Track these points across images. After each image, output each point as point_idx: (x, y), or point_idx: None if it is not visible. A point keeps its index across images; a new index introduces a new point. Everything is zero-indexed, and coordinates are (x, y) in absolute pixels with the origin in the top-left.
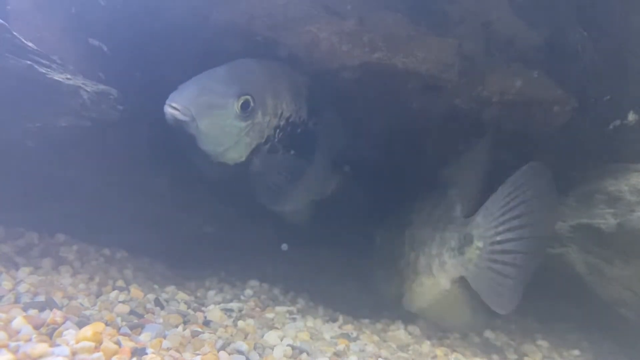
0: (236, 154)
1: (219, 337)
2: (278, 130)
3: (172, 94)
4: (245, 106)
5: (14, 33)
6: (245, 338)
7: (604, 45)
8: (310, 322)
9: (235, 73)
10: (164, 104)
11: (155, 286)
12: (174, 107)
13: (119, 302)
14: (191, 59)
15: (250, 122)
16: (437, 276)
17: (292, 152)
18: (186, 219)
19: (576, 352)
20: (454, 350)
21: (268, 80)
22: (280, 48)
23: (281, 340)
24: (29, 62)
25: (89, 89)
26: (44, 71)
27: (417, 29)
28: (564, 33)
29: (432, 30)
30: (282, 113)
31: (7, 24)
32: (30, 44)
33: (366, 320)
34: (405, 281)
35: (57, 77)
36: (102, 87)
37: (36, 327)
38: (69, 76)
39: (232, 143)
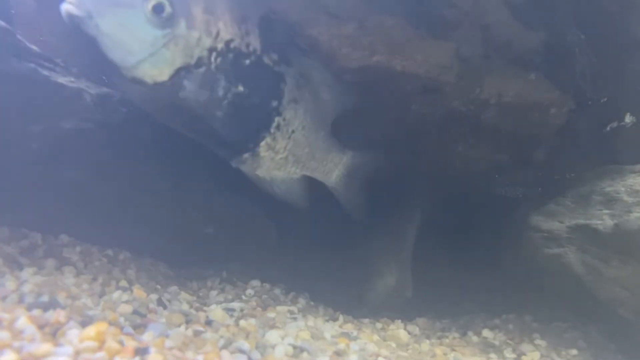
0: (154, 70)
1: (221, 337)
2: (215, 54)
3: None
4: (158, 9)
5: (18, 36)
6: (247, 337)
7: (600, 47)
8: (311, 322)
9: None
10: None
11: (158, 286)
12: (70, 1)
13: (122, 302)
14: None
15: (169, 32)
16: None
17: (241, 88)
18: (188, 219)
19: (574, 351)
20: (453, 349)
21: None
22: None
23: (282, 339)
24: (32, 65)
25: (92, 92)
26: (47, 74)
27: (416, 32)
28: (561, 36)
29: (430, 33)
30: (218, 33)
31: (11, 28)
32: (34, 47)
33: (366, 320)
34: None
35: (61, 79)
36: (105, 89)
37: (40, 327)
38: (72, 79)
39: (146, 54)
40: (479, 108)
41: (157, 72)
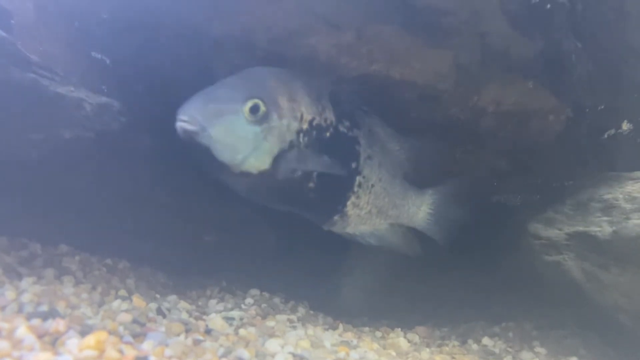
0: (258, 161)
1: (221, 345)
2: (302, 135)
3: (180, 108)
4: (254, 110)
5: (18, 46)
6: (247, 346)
7: (598, 55)
8: (310, 330)
9: (241, 79)
10: (174, 119)
11: (157, 295)
12: (183, 120)
13: (122, 311)
14: (192, 71)
15: (265, 126)
16: None
17: (326, 158)
18: (187, 228)
19: (574, 358)
20: (452, 358)
21: (279, 83)
22: (280, 60)
23: (282, 348)
24: (32, 75)
25: (91, 101)
26: (47, 84)
27: (414, 41)
28: (558, 44)
29: (428, 41)
30: (302, 116)
31: (11, 38)
32: (34, 57)
33: (366, 328)
34: None
35: (61, 89)
36: (104, 99)
37: (39, 337)
38: (72, 88)
39: (250, 149)
40: (477, 116)
41: (260, 162)
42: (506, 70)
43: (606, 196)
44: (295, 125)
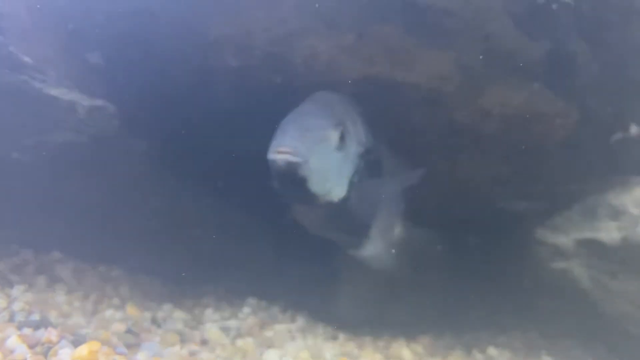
0: (340, 188)
1: (217, 356)
2: (361, 158)
3: (274, 141)
4: (342, 137)
5: (11, 49)
6: (244, 357)
7: (604, 57)
8: (310, 341)
9: (320, 105)
10: (270, 153)
11: (152, 304)
12: (284, 152)
13: (115, 320)
14: (189, 74)
15: (345, 153)
16: None
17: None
18: (183, 235)
19: None
20: None
21: (346, 109)
22: (280, 62)
23: (281, 359)
24: (25, 77)
25: (85, 104)
26: (40, 86)
27: (416, 42)
28: (564, 45)
29: (431, 43)
30: (360, 139)
31: (3, 40)
32: (26, 59)
33: (367, 338)
34: None
35: (54, 92)
36: (98, 102)
37: (31, 346)
38: (65, 91)
39: (336, 177)
40: (481, 119)
41: (341, 189)
42: (511, 72)
43: (614, 201)
44: (359, 150)
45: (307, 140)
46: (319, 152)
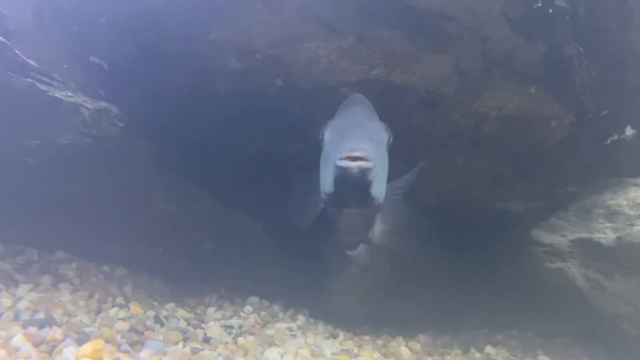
0: (384, 191)
1: (219, 354)
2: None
3: (345, 146)
4: (389, 138)
5: (16, 51)
6: (246, 355)
7: (600, 60)
8: (310, 339)
9: (369, 108)
10: (340, 159)
11: (155, 303)
12: (360, 157)
13: (119, 319)
14: (192, 76)
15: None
16: None
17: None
18: (185, 235)
19: None
20: None
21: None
22: (280, 65)
23: (282, 357)
24: (30, 80)
25: (89, 106)
26: (45, 89)
27: (415, 46)
28: (560, 49)
29: (429, 46)
30: None
31: (9, 43)
32: (31, 62)
33: (367, 337)
34: None
35: (58, 94)
36: (102, 104)
37: (36, 345)
38: (69, 94)
39: (385, 180)
40: (478, 121)
41: (384, 192)
42: (508, 76)
43: (610, 202)
44: None
45: (375, 145)
46: (382, 156)
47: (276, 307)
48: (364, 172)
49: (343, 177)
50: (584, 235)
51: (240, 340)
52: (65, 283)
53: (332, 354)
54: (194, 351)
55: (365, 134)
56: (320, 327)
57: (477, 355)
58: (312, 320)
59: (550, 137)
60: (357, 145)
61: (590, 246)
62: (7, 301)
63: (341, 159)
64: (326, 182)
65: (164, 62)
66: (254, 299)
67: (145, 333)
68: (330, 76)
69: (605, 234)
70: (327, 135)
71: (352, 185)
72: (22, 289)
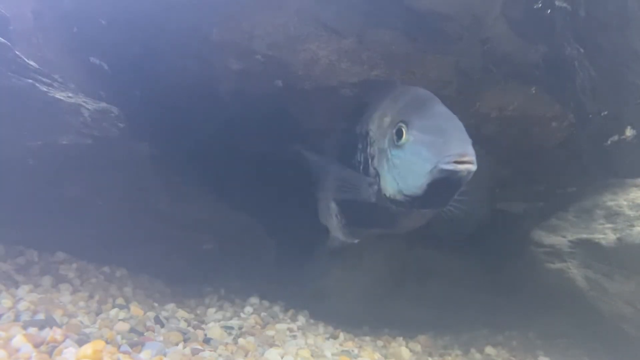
0: None
1: (220, 355)
2: None
3: (452, 149)
4: None
5: (17, 52)
6: (246, 356)
7: (600, 61)
8: (311, 340)
9: (446, 106)
10: (446, 162)
11: (155, 304)
12: (469, 161)
13: (119, 319)
14: (192, 77)
15: None
16: None
17: None
18: (185, 236)
19: None
20: None
21: None
22: (280, 66)
23: (282, 358)
24: (30, 81)
25: (90, 107)
26: (45, 89)
27: (415, 47)
28: (560, 49)
29: (430, 47)
30: None
31: (9, 44)
32: (32, 63)
33: (367, 337)
34: None
35: (59, 95)
36: (103, 105)
37: (36, 345)
38: (70, 94)
39: None
40: (479, 122)
41: None
42: (508, 76)
43: (610, 203)
44: None
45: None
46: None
47: (276, 308)
48: (469, 175)
49: (445, 180)
50: (584, 236)
51: (241, 341)
52: (66, 284)
53: (333, 354)
54: (194, 352)
55: (466, 135)
56: (321, 327)
57: (478, 355)
58: (312, 321)
59: (550, 137)
60: (466, 149)
61: (590, 247)
62: (7, 302)
63: (448, 162)
64: (409, 183)
65: (165, 63)
66: (254, 300)
67: (145, 334)
68: (330, 77)
69: (606, 235)
70: (413, 135)
71: (450, 188)
72: (23, 290)
